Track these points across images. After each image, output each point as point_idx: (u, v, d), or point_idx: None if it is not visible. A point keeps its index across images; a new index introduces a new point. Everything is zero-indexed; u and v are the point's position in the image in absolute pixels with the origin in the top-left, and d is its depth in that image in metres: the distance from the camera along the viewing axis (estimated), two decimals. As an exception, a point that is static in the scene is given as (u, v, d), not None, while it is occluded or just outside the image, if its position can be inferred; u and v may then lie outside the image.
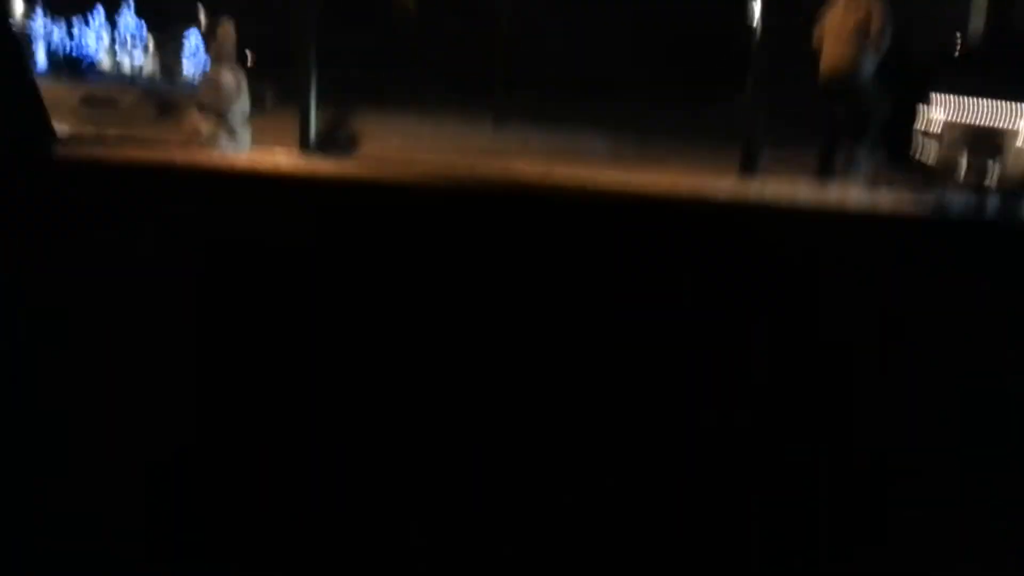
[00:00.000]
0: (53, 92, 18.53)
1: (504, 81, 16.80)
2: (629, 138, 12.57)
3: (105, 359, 1.02)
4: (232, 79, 7.86)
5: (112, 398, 1.01)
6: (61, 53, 34.70)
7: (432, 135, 12.35)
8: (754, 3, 9.23)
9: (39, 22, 35.10)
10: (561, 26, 17.75)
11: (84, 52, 37.78)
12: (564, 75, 18.11)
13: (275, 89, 17.67)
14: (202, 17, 34.84)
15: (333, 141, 8.91)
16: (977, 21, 10.83)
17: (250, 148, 7.73)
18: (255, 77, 13.46)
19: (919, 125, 8.06)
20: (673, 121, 14.71)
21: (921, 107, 8.05)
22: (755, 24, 9.40)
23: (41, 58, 33.32)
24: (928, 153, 7.94)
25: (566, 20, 17.74)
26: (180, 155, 1.16)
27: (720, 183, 7.49)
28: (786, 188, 7.34)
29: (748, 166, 8.93)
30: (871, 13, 7.38)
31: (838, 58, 7.59)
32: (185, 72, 35.93)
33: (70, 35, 39.03)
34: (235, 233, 1.06)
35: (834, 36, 7.59)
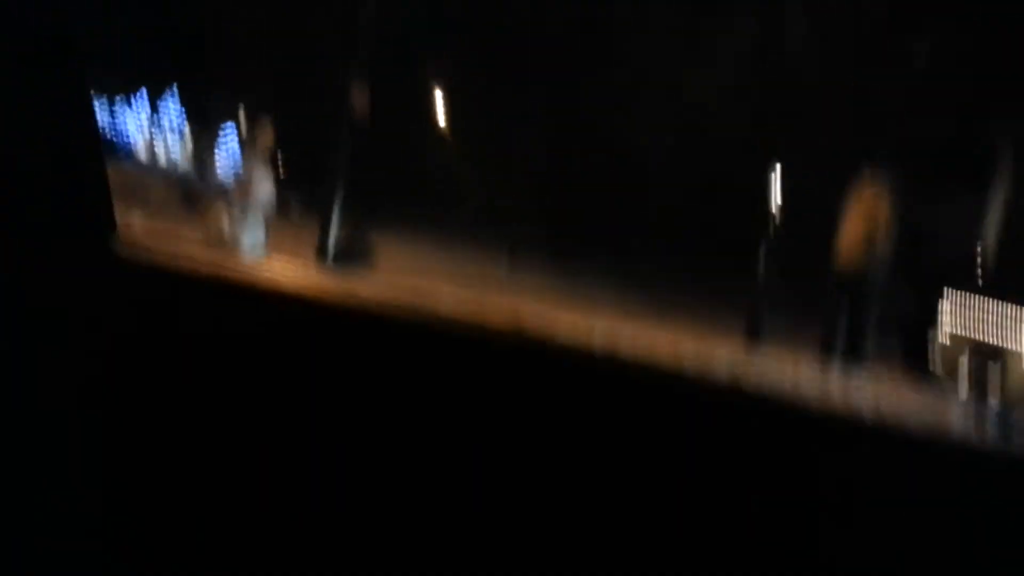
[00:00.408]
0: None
1: (525, 218, 17.15)
2: (638, 287, 12.69)
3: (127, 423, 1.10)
4: (262, 181, 8.07)
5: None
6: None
7: (447, 261, 12.51)
8: (775, 180, 9.54)
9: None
10: (581, 171, 18.24)
11: (121, 133, 38.96)
12: (582, 216, 18.52)
13: (303, 195, 18.07)
14: (243, 116, 36.21)
15: (348, 256, 9.06)
16: (988, 232, 11.13)
17: (267, 252, 7.84)
18: (285, 181, 13.79)
19: (926, 326, 8.20)
20: (682, 273, 14.88)
21: (930, 309, 8.20)
22: (773, 191, 9.69)
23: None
24: (932, 354, 8.03)
25: (588, 165, 18.25)
26: (202, 258, 1.25)
27: (721, 350, 7.52)
28: (787, 367, 7.36)
29: (752, 334, 9.02)
30: (878, 208, 7.63)
31: (848, 244, 7.78)
32: (217, 166, 36.98)
33: (111, 114, 40.41)
34: (250, 343, 1.14)
35: (849, 222, 7.80)
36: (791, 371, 7.40)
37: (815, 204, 8.64)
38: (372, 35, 9.31)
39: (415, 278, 8.93)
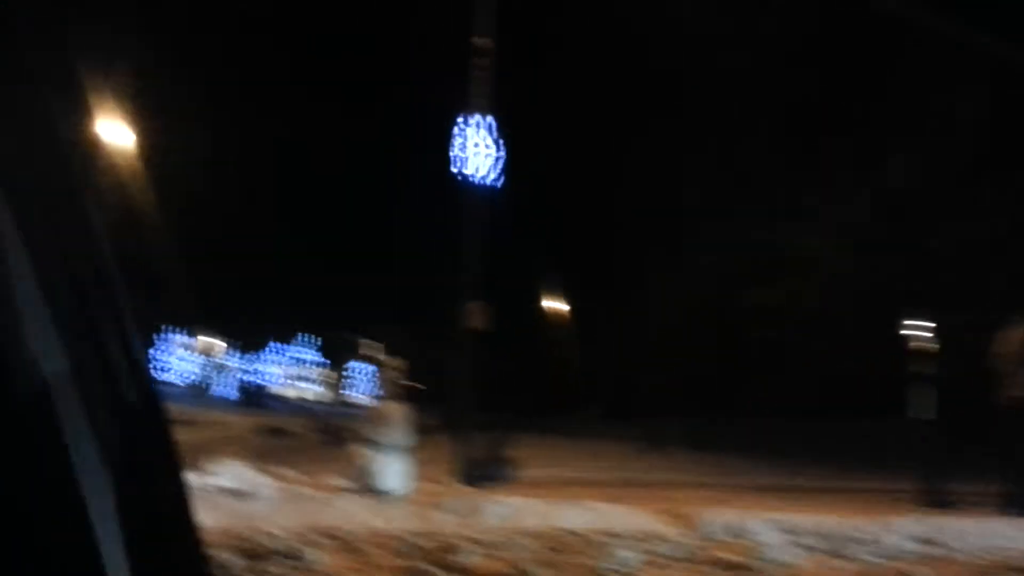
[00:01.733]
0: (235, 423, 19.82)
1: (655, 404, 16.88)
2: (787, 462, 12.03)
3: None
4: (397, 413, 8.22)
5: None
6: (248, 386, 38.17)
7: (588, 458, 12.29)
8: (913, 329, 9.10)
9: (232, 358, 39.16)
10: (714, 349, 17.95)
11: (268, 384, 41.33)
12: (717, 396, 18.07)
13: (440, 415, 18.39)
14: (374, 351, 37.88)
15: (488, 472, 9.00)
16: None
17: (409, 481, 7.86)
18: (421, 403, 14.04)
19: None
20: (835, 438, 14.09)
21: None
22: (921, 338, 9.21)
23: (231, 391, 36.66)
24: None
25: (715, 345, 17.97)
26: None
27: (901, 526, 6.85)
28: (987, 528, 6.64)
29: (933, 500, 8.31)
30: None
31: (1012, 380, 7.43)
32: (356, 400, 38.47)
33: (258, 369, 43.08)
34: None
35: (1009, 359, 7.47)
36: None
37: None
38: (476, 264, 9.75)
39: (562, 492, 8.72)
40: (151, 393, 0.73)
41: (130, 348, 0.72)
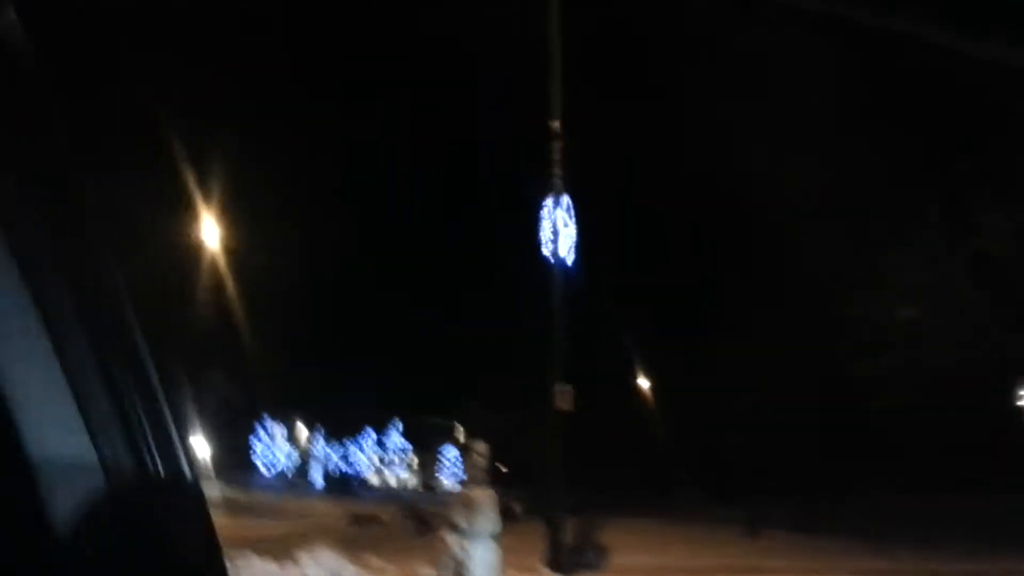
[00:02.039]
0: (324, 511, 19.85)
1: (753, 485, 16.25)
2: (895, 543, 11.33)
3: None
4: (483, 498, 8.08)
5: None
6: (336, 474, 38.43)
7: (684, 544, 11.81)
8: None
9: (319, 446, 39.53)
10: (806, 426, 17.25)
11: (356, 471, 41.54)
12: (820, 474, 17.30)
13: (527, 497, 18.13)
14: (460, 434, 37.82)
15: (580, 559, 8.72)
16: None
17: (497, 569, 7.66)
18: (506, 488, 13.80)
19: None
20: (949, 516, 13.27)
21: None
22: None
23: (318, 479, 36.95)
24: None
25: (809, 422, 17.26)
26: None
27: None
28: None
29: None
30: None
31: None
32: (444, 485, 38.31)
33: (345, 456, 43.37)
34: None
35: None
36: None
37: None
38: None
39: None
40: (186, 480, 0.71)
41: (166, 436, 0.70)
